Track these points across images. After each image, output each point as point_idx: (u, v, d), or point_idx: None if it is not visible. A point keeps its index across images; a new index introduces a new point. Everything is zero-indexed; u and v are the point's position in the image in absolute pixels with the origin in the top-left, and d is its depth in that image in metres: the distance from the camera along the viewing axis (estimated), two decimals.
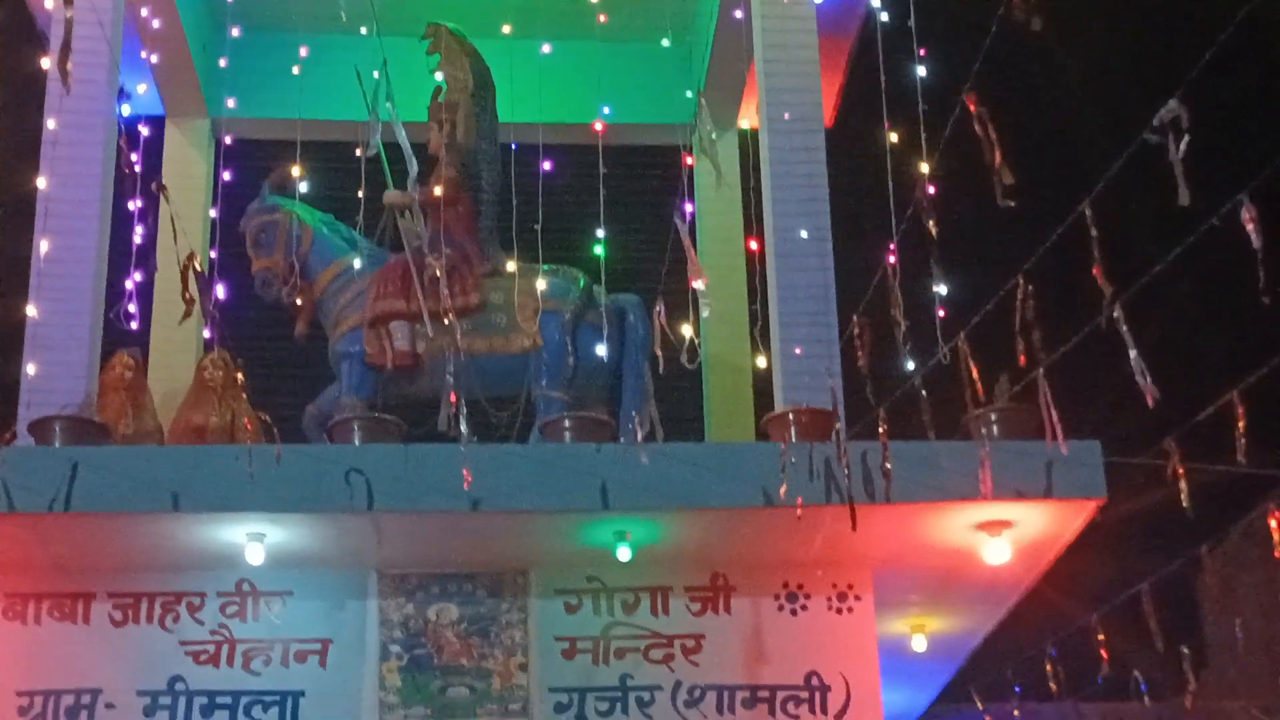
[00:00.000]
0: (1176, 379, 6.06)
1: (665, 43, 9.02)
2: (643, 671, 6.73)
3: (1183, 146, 4.90)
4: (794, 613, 6.83)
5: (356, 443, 6.48)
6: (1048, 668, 8.84)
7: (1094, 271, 5.54)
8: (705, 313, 6.39)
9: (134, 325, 7.27)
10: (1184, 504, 6.24)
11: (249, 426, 7.21)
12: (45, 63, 7.14)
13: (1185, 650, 8.89)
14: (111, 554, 6.51)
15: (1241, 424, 6.08)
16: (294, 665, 6.67)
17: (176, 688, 6.60)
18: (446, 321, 6.56)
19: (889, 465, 6.00)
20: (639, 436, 6.47)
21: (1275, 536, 7.91)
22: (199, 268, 6.85)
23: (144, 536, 6.36)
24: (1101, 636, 8.08)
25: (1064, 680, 9.39)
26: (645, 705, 6.69)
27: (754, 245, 7.42)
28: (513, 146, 8.13)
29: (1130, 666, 8.90)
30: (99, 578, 6.67)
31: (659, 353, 6.43)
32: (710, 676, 6.73)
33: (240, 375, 7.40)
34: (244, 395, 7.40)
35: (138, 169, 7.49)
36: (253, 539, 6.32)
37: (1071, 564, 7.04)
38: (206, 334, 8.07)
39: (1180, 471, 6.28)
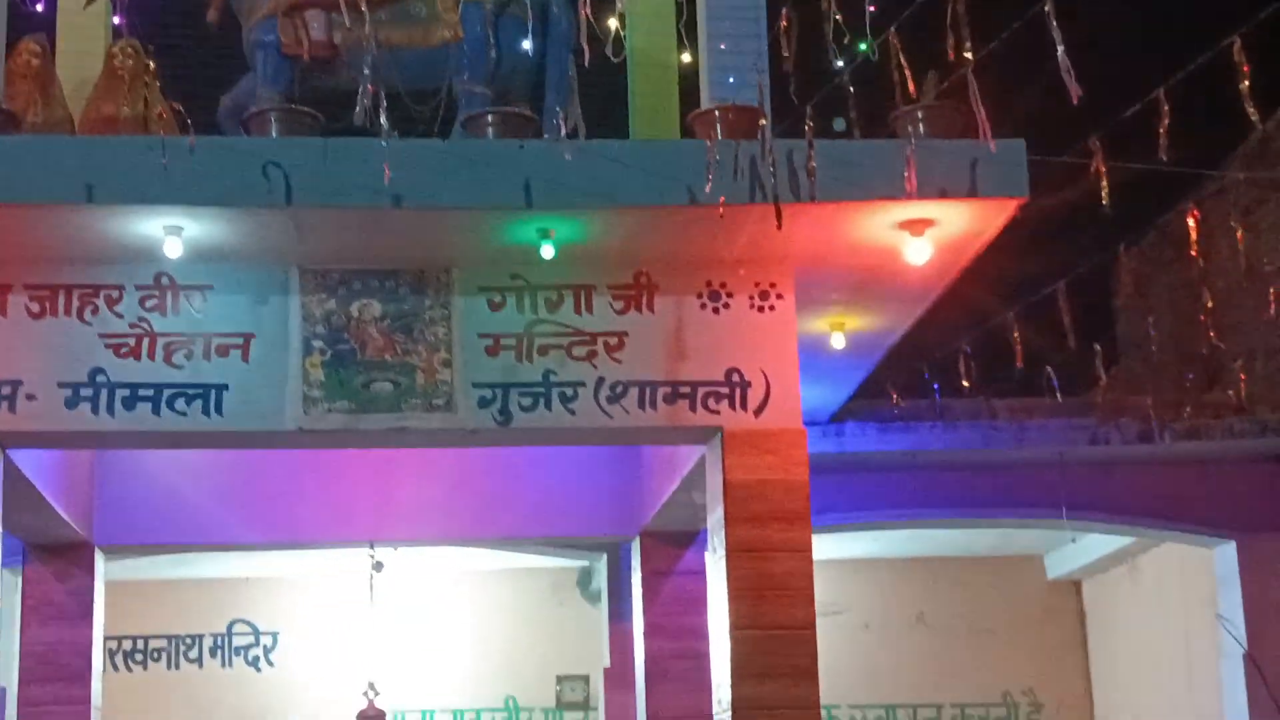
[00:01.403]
0: (1102, 77, 6.02)
1: None
2: (566, 368, 6.78)
3: None
4: (716, 311, 6.87)
5: (274, 135, 6.34)
6: (962, 365, 9.01)
7: None
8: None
9: (39, 6, 7.01)
10: (1103, 201, 6.27)
11: (163, 117, 7.04)
12: None
13: (1097, 347, 9.06)
14: (26, 246, 6.41)
15: (1165, 122, 6.09)
16: (216, 359, 6.66)
17: (98, 380, 6.58)
18: (363, 10, 6.38)
19: (814, 164, 5.97)
20: (563, 133, 6.38)
21: (1192, 235, 8.01)
22: None
23: (58, 228, 6.25)
24: (1016, 334, 8.20)
25: (977, 377, 9.59)
26: (568, 400, 6.77)
27: None
28: None
29: (1043, 363, 9.08)
30: (14, 270, 6.57)
31: (584, 46, 6.31)
32: (633, 373, 6.79)
33: (152, 64, 7.18)
34: (157, 85, 7.19)
35: None
36: (170, 232, 6.23)
37: (990, 263, 7.09)
38: (116, 20, 7.79)
39: (1101, 169, 6.30)
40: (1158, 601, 12.15)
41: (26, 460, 7.13)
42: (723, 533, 6.74)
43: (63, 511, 7.99)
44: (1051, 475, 9.64)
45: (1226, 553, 10.22)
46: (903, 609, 13.40)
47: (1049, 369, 9.05)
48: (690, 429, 6.86)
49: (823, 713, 6.75)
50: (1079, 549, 12.61)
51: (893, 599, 13.40)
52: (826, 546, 10.36)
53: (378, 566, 10.93)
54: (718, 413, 6.78)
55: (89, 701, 8.64)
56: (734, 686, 6.58)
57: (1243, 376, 9.79)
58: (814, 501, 6.79)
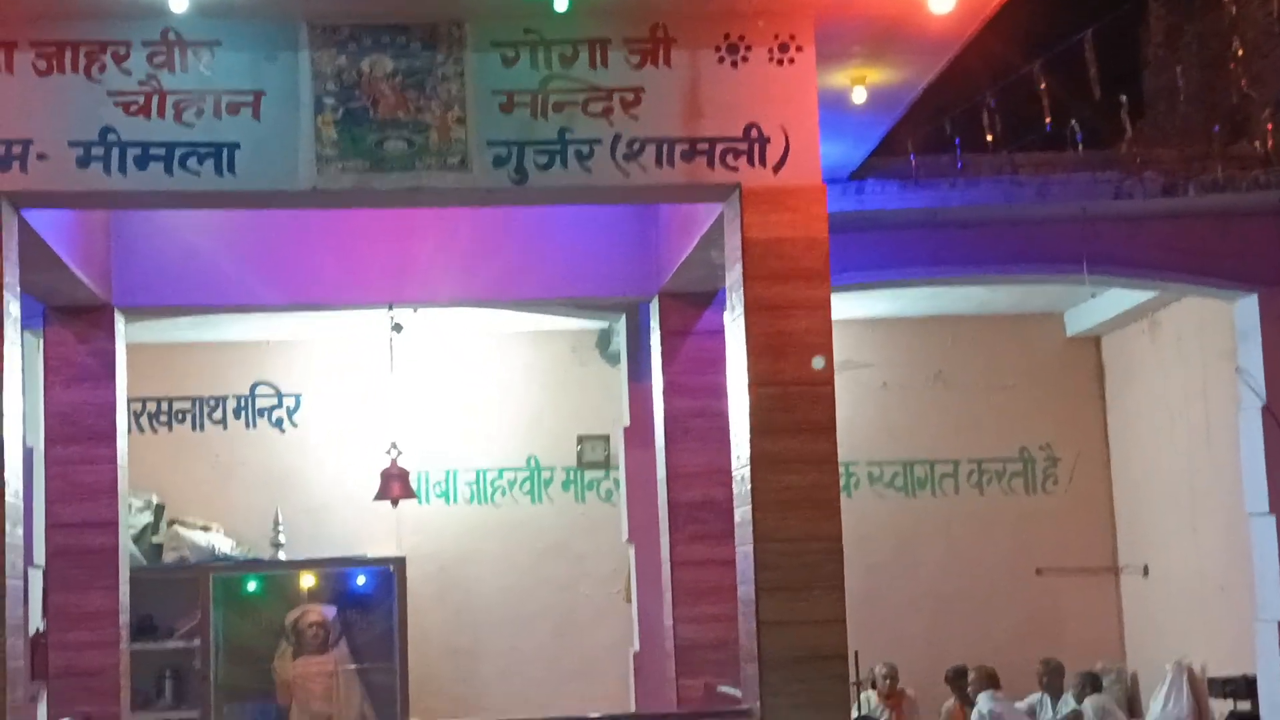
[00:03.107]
0: None
1: None
2: (581, 125, 6.68)
3: None
4: (734, 64, 6.73)
5: None
6: (985, 119, 8.87)
7: None
8: None
9: None
10: None
11: None
12: None
13: (1123, 99, 8.92)
14: (30, 1, 6.29)
15: None
16: (226, 117, 6.57)
17: (109, 138, 6.50)
18: None
19: None
20: None
21: None
22: None
23: None
24: (1041, 86, 8.05)
25: (1001, 132, 9.46)
26: (584, 158, 6.68)
27: None
28: None
29: (1067, 117, 8.93)
30: (19, 26, 6.45)
31: None
32: (649, 129, 6.69)
33: None
34: None
35: None
36: None
37: (1015, 11, 6.93)
38: None
39: None
40: (1177, 356, 12.17)
41: (41, 220, 7.10)
42: (741, 291, 6.72)
43: (80, 272, 7.99)
44: (1073, 230, 9.55)
45: (1248, 306, 10.19)
46: (921, 367, 13.45)
47: (1073, 122, 8.91)
48: (708, 186, 6.79)
49: (840, 469, 6.81)
50: (1099, 305, 12.61)
51: (911, 357, 13.44)
52: (845, 305, 10.36)
53: (397, 328, 10.97)
54: (736, 169, 6.70)
55: (115, 461, 8.75)
56: (752, 442, 6.63)
57: (1269, 126, 9.62)
58: (833, 260, 6.75)
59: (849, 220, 9.02)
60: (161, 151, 6.51)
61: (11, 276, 6.47)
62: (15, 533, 6.36)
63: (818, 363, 6.53)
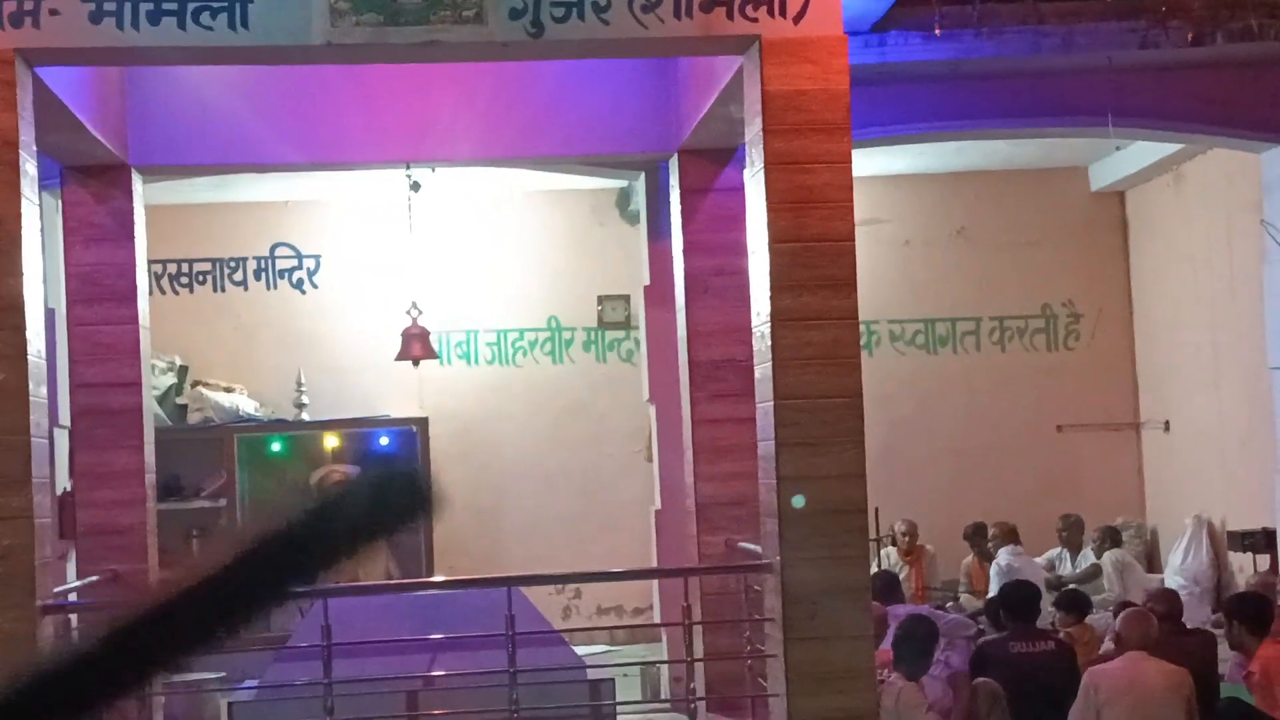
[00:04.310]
0: None
1: None
2: None
3: None
4: None
5: None
6: None
7: None
8: None
9: None
10: None
11: None
12: None
13: None
14: None
15: None
16: None
17: None
18: None
19: None
20: None
21: None
22: None
23: None
24: None
25: None
26: (601, 10, 6.58)
27: None
28: None
29: None
30: None
31: None
32: None
33: None
34: None
35: None
36: None
37: None
38: None
39: None
40: (1201, 209, 12.08)
41: (55, 79, 7.04)
42: (761, 145, 6.65)
43: (95, 131, 7.94)
44: (1099, 82, 9.41)
45: (1275, 157, 10.07)
46: (943, 223, 13.38)
47: None
48: (727, 38, 6.68)
49: (861, 327, 6.79)
50: (1123, 158, 12.49)
51: (933, 214, 13.36)
52: (867, 162, 10.27)
53: (415, 187, 10.92)
54: (755, 20, 6.59)
55: (137, 321, 8.75)
56: (773, 299, 6.60)
57: None
58: (855, 115, 6.67)
59: (871, 74, 8.89)
60: (174, 6, 6.43)
61: (27, 135, 6.43)
62: (39, 392, 6.39)
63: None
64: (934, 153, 12.01)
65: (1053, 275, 13.38)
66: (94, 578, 8.34)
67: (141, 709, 7.07)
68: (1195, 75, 9.66)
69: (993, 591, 10.67)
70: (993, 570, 11.70)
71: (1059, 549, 12.25)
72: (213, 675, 9.51)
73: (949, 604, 11.38)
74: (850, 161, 6.65)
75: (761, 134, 6.62)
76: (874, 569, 9.44)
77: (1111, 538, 12.05)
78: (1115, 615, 8.71)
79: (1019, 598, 8.72)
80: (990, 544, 12.03)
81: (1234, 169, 11.20)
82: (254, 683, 7.59)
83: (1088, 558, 12.05)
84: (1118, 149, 12.14)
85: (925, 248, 13.36)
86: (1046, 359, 13.41)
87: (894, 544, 12.23)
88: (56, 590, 7.12)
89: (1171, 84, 9.68)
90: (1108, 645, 8.71)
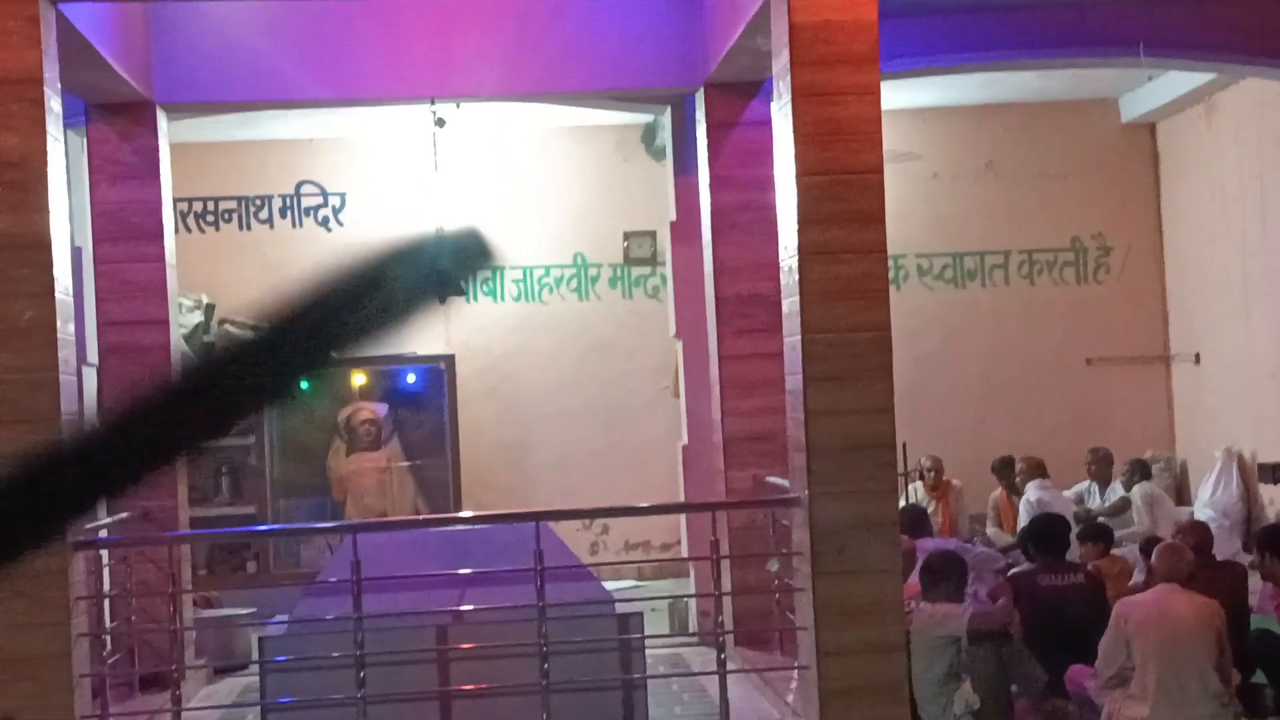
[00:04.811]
0: None
1: None
2: None
3: None
4: None
5: None
6: None
7: None
8: None
9: None
10: None
11: None
12: None
13: None
14: None
15: None
16: None
17: None
18: None
19: None
20: None
21: None
22: None
23: None
24: None
25: None
26: None
27: None
28: None
29: None
30: None
31: None
32: None
33: None
34: None
35: None
36: None
37: None
38: None
39: None
40: (1233, 141, 11.95)
41: (79, 15, 7.00)
42: (789, 77, 6.58)
43: (120, 68, 7.91)
44: (1131, 10, 9.28)
45: None
46: (972, 157, 13.28)
47: None
48: None
49: (890, 261, 6.74)
50: (1154, 89, 12.36)
51: (962, 147, 13.26)
52: (895, 96, 10.16)
53: (440, 123, 10.86)
54: None
55: (163, 259, 8.76)
56: (800, 232, 6.56)
57: None
58: (882, 47, 6.59)
59: (898, 5, 8.78)
60: None
61: (51, 71, 6.40)
62: (67, 329, 6.39)
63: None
64: (961, 85, 11.89)
65: (1082, 208, 13.28)
66: (123, 514, 8.38)
67: (173, 642, 7.11)
68: (1229, 4, 9.52)
69: (1021, 525, 10.66)
70: (1021, 504, 11.69)
71: (1088, 482, 12.23)
72: (244, 610, 9.59)
73: (976, 538, 11.37)
74: (879, 93, 6.58)
75: (789, 66, 6.55)
76: (901, 504, 9.44)
77: (1141, 471, 12.01)
78: (1143, 549, 8.70)
79: (1048, 531, 8.70)
80: (1018, 478, 12.01)
81: (1268, 100, 11.07)
82: (284, 618, 7.63)
83: (1116, 491, 12.02)
84: (1149, 79, 12.01)
85: (953, 181, 13.26)
86: (1076, 292, 13.33)
87: (921, 479, 12.21)
88: (87, 526, 7.15)
89: (1205, 13, 9.54)
90: (1137, 578, 8.71)
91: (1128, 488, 11.95)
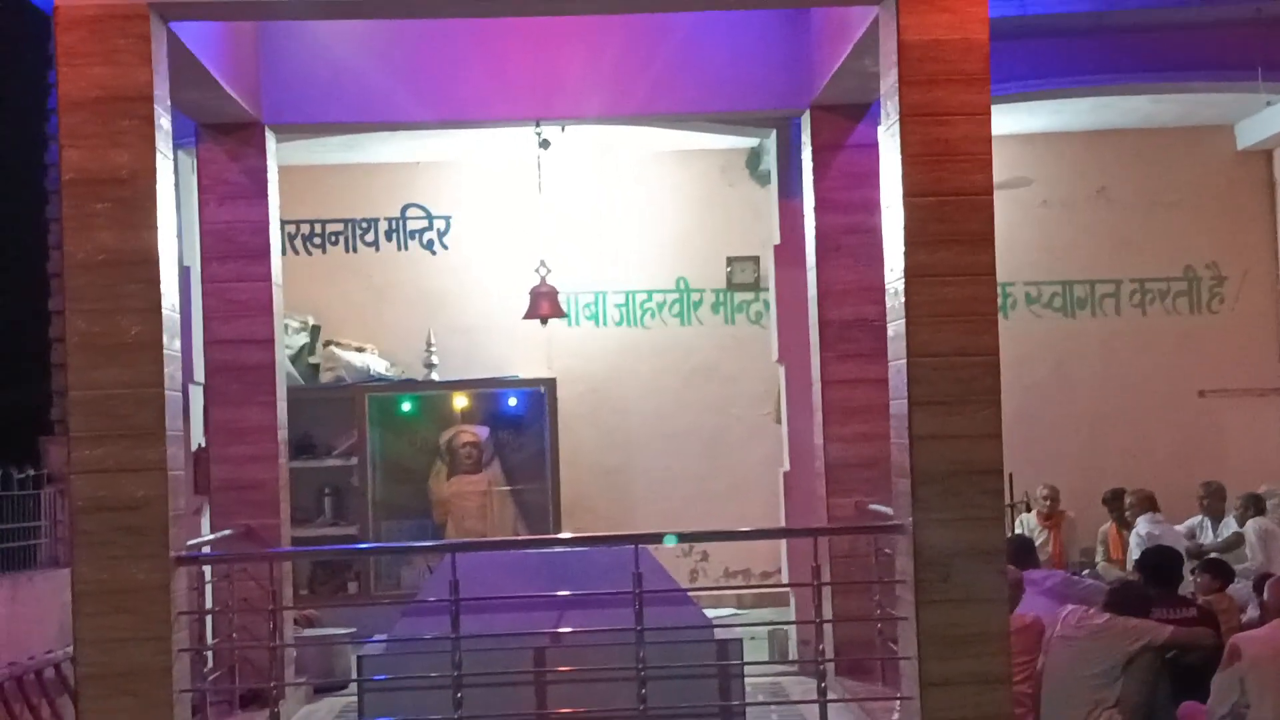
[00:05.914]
0: None
1: None
2: None
3: None
4: None
5: None
6: None
7: None
8: None
9: None
10: None
11: None
12: None
13: None
14: None
15: None
16: None
17: None
18: None
19: None
20: None
21: None
22: None
23: None
24: None
25: None
26: None
27: None
28: None
29: None
30: None
31: None
32: None
33: None
34: None
35: None
36: None
37: None
38: None
39: None
40: None
41: (190, 35, 7.07)
42: (897, 97, 6.49)
43: (230, 88, 7.98)
44: (1247, 33, 9.11)
45: None
46: (1083, 183, 13.08)
47: None
48: None
49: (998, 289, 6.61)
50: (1272, 115, 12.11)
51: (1073, 173, 13.07)
52: (1006, 120, 10.07)
53: (544, 144, 10.87)
54: None
55: (270, 279, 8.82)
56: (907, 255, 6.45)
57: None
58: (993, 70, 6.48)
59: (1011, 27, 8.68)
60: None
61: (161, 90, 6.45)
62: (173, 345, 6.43)
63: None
64: (1074, 109, 11.72)
65: (1196, 237, 13.04)
66: (227, 531, 8.43)
67: (273, 659, 7.12)
68: None
69: (1131, 559, 10.43)
70: (1132, 538, 11.46)
71: (1200, 517, 11.95)
72: (344, 630, 9.61)
73: (1085, 571, 11.15)
74: (989, 113, 6.46)
75: (897, 85, 6.46)
76: (1009, 535, 9.27)
77: (1255, 505, 11.72)
78: (1256, 585, 8.47)
79: (1161, 563, 8.51)
80: (1128, 511, 11.77)
81: None
82: (383, 637, 7.62)
83: (1230, 526, 11.74)
84: (1268, 104, 11.76)
85: (1064, 208, 13.07)
86: (1188, 322, 13.08)
87: (1029, 509, 12.01)
88: (190, 543, 7.19)
89: None
90: (1251, 613, 8.48)
91: (1241, 523, 11.66)
